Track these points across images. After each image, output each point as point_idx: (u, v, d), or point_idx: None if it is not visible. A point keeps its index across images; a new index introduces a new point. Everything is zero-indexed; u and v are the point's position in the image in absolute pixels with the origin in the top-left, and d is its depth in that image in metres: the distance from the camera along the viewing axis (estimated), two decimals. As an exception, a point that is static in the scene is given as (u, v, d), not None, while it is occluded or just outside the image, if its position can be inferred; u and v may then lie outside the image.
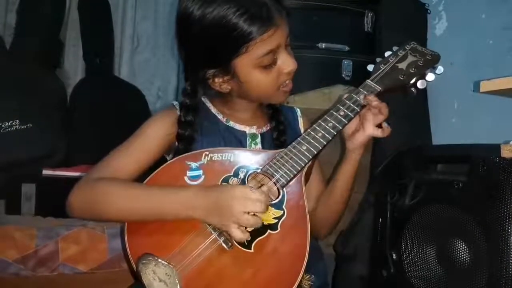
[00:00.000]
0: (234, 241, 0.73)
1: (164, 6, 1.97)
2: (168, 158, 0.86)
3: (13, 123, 1.44)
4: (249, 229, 0.73)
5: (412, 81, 0.83)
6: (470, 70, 1.40)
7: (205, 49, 0.79)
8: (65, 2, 1.76)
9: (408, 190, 0.98)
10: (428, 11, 1.53)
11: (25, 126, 1.45)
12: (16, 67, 1.55)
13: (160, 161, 0.84)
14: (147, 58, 1.97)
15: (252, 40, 0.75)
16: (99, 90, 1.74)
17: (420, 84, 0.83)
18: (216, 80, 0.82)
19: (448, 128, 1.47)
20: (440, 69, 0.84)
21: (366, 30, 1.47)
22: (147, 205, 0.75)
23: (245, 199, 0.70)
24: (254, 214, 0.71)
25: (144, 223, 0.75)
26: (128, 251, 0.74)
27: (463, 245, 0.86)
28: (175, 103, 0.88)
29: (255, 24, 0.74)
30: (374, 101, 0.80)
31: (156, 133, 0.84)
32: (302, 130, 0.95)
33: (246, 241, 0.72)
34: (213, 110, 0.89)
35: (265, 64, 0.78)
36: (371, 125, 0.82)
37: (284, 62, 0.80)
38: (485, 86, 1.04)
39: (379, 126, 0.83)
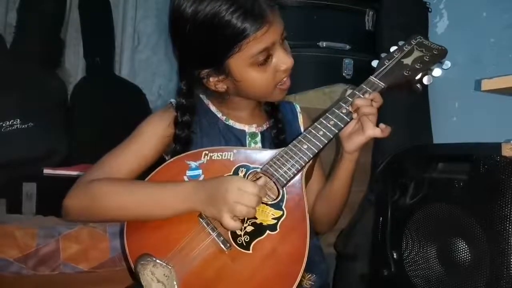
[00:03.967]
0: (232, 242, 0.72)
1: (164, 4, 1.97)
2: (166, 158, 0.85)
3: (14, 122, 1.44)
4: (248, 230, 0.73)
5: (418, 77, 0.81)
6: (472, 68, 1.39)
7: (198, 48, 0.77)
8: (65, 1, 1.76)
9: (408, 189, 0.98)
10: (429, 10, 1.53)
11: (26, 125, 1.45)
12: (17, 66, 1.55)
13: (159, 161, 0.84)
14: (148, 57, 1.97)
15: (246, 38, 0.74)
16: (99, 89, 1.74)
17: (426, 80, 0.81)
18: (211, 79, 0.81)
19: (449, 126, 1.47)
20: (447, 64, 0.82)
21: (367, 28, 1.46)
22: (146, 200, 0.75)
23: (240, 190, 0.70)
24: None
25: (142, 224, 0.75)
26: (127, 251, 0.74)
27: (464, 244, 0.86)
28: (173, 101, 0.86)
29: (248, 21, 0.73)
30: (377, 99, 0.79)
31: (153, 133, 0.83)
32: (301, 127, 0.94)
33: (245, 241, 0.72)
34: (212, 108, 0.89)
35: (260, 62, 0.77)
36: (370, 126, 0.79)
37: (280, 59, 0.78)
38: (486, 84, 1.03)
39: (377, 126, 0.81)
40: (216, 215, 0.71)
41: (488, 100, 1.26)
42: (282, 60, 0.79)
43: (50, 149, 1.49)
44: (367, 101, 0.78)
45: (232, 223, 0.70)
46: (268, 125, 0.90)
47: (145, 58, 1.97)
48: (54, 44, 1.73)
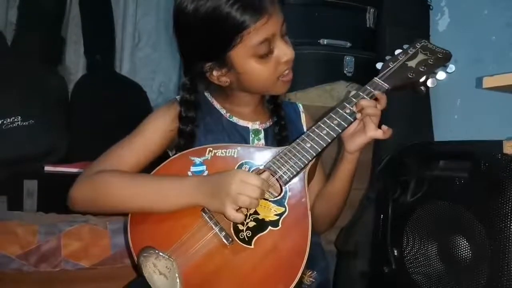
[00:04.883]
0: (234, 237, 0.73)
1: (165, 2, 1.97)
2: (170, 154, 0.86)
3: (15, 120, 1.44)
4: (250, 225, 0.73)
5: (422, 79, 0.82)
6: (473, 66, 1.39)
7: (201, 42, 0.79)
8: (66, -2, 1.76)
9: (409, 187, 0.98)
10: (431, 7, 1.53)
11: (27, 123, 1.45)
12: (18, 64, 1.55)
13: (163, 156, 0.84)
14: (148, 54, 1.97)
15: (246, 29, 0.75)
16: (100, 87, 1.74)
17: (430, 83, 0.83)
18: (214, 73, 0.82)
19: (451, 124, 1.47)
20: (451, 67, 0.83)
21: (368, 26, 1.46)
22: (151, 193, 0.76)
23: (243, 182, 0.71)
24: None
25: (146, 217, 0.76)
26: (130, 244, 0.74)
27: (465, 242, 0.86)
28: (177, 97, 0.88)
29: (248, 12, 0.75)
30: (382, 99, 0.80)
31: (157, 128, 0.85)
32: (304, 126, 0.95)
33: (247, 237, 0.73)
34: (216, 105, 0.89)
35: (261, 53, 0.78)
36: (372, 127, 0.80)
37: (281, 51, 0.80)
38: (488, 82, 1.03)
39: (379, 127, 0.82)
40: (220, 207, 0.72)
41: (490, 98, 1.26)
42: (283, 51, 0.80)
43: (51, 146, 1.49)
44: (372, 102, 0.79)
45: (235, 214, 0.71)
46: (271, 122, 0.91)
47: (145, 56, 1.97)
48: (54, 42, 1.73)
